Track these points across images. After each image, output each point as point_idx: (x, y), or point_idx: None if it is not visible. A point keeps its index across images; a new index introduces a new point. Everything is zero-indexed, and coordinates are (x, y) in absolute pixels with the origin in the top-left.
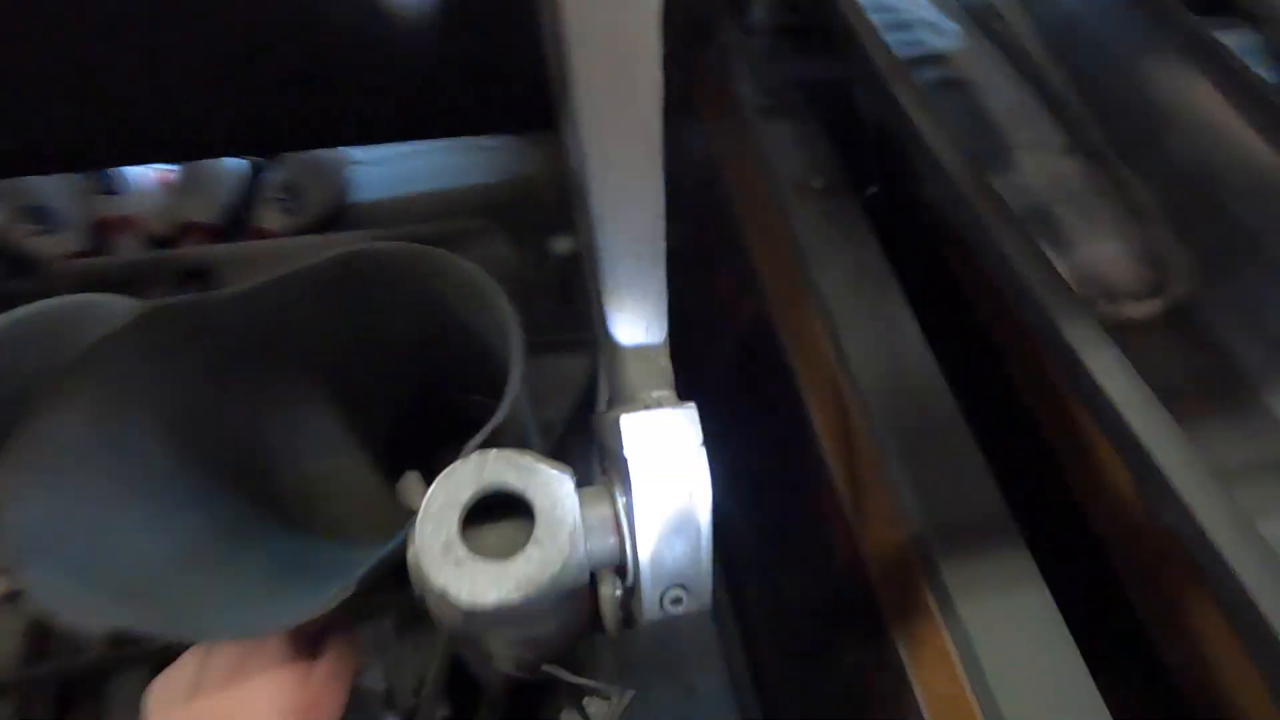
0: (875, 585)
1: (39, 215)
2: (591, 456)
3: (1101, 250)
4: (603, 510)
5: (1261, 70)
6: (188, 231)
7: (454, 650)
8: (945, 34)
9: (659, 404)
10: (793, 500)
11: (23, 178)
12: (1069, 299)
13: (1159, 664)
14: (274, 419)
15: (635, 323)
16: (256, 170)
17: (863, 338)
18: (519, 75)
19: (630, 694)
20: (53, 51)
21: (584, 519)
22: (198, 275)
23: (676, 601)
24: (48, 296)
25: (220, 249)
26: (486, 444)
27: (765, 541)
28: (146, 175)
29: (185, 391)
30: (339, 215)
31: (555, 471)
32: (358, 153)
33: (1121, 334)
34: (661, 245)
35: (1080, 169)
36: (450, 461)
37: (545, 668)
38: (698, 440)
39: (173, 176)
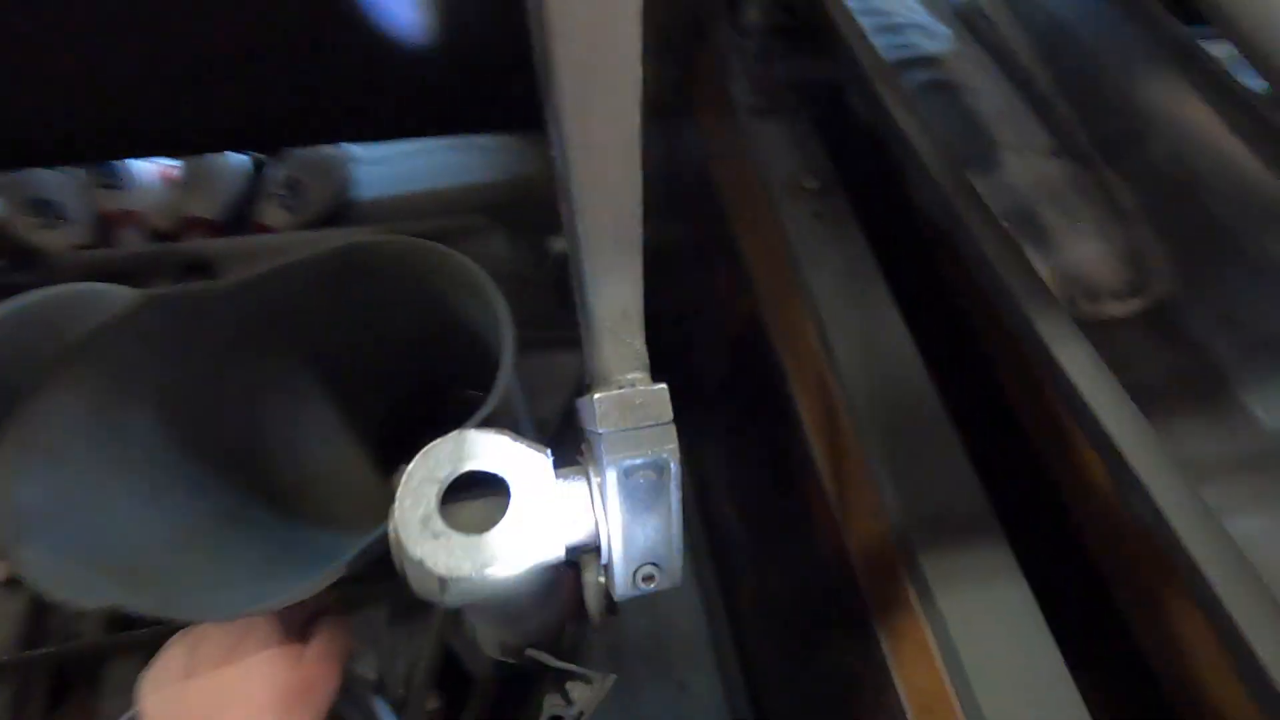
0: (859, 580)
1: (44, 209)
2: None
3: (1084, 250)
4: (578, 489)
5: (1244, 78)
6: (189, 226)
7: (445, 640)
8: (937, 37)
9: (632, 385)
10: (784, 496)
11: (29, 173)
12: (1043, 296)
13: (1139, 655)
14: (272, 408)
15: (611, 308)
16: (258, 166)
17: (850, 336)
18: (519, 75)
19: (612, 678)
20: (58, 46)
21: (560, 496)
22: (198, 268)
23: (649, 579)
24: None
25: (220, 243)
26: None
27: (757, 537)
28: (149, 170)
29: (184, 379)
30: (340, 212)
31: (532, 451)
32: (359, 150)
33: (1103, 332)
34: (638, 232)
35: (1065, 170)
36: None
37: (529, 652)
38: (668, 419)
39: (175, 172)
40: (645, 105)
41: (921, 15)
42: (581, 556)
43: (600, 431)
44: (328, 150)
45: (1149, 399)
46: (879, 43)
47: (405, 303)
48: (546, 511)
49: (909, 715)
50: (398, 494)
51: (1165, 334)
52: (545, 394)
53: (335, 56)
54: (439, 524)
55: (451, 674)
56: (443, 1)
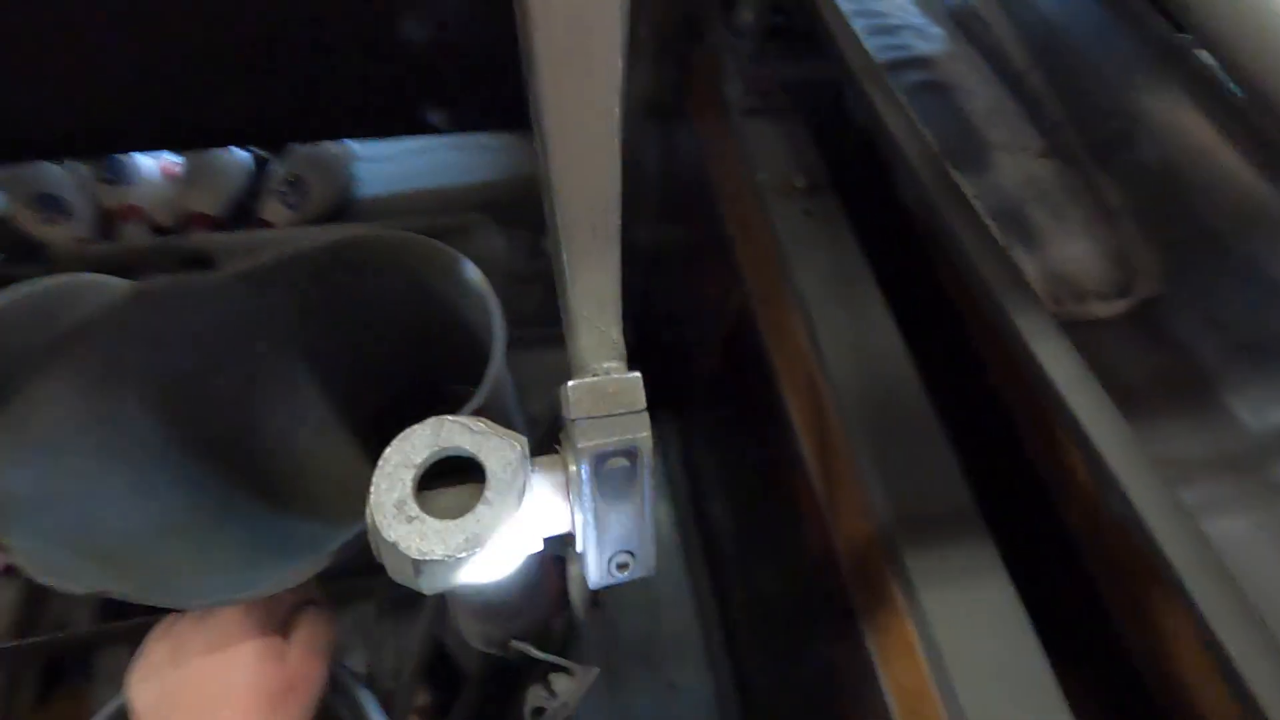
0: (847, 578)
1: (48, 203)
2: None
3: (1071, 250)
4: (554, 476)
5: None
6: (192, 222)
7: (435, 634)
8: (930, 38)
9: (607, 374)
10: (775, 495)
11: (33, 167)
12: (1023, 294)
13: (1126, 653)
14: (264, 400)
15: (588, 297)
16: (261, 163)
17: (838, 333)
18: (519, 73)
19: (595, 671)
20: (61, 41)
21: (536, 484)
22: (198, 262)
23: (623, 567)
24: None
25: (220, 238)
26: None
27: (749, 536)
28: (152, 166)
29: (175, 369)
30: (341, 210)
31: (508, 437)
32: (360, 148)
33: (1088, 332)
34: (616, 223)
35: (1054, 170)
36: None
37: (513, 644)
38: (640, 407)
39: (178, 168)
40: (644, 106)
41: (916, 17)
42: (566, 549)
43: (573, 419)
44: (330, 147)
45: (1134, 399)
46: (873, 44)
47: (399, 297)
48: (521, 497)
49: (894, 712)
50: (373, 478)
51: (1150, 334)
52: (539, 390)
53: (337, 53)
54: (413, 508)
55: (441, 668)
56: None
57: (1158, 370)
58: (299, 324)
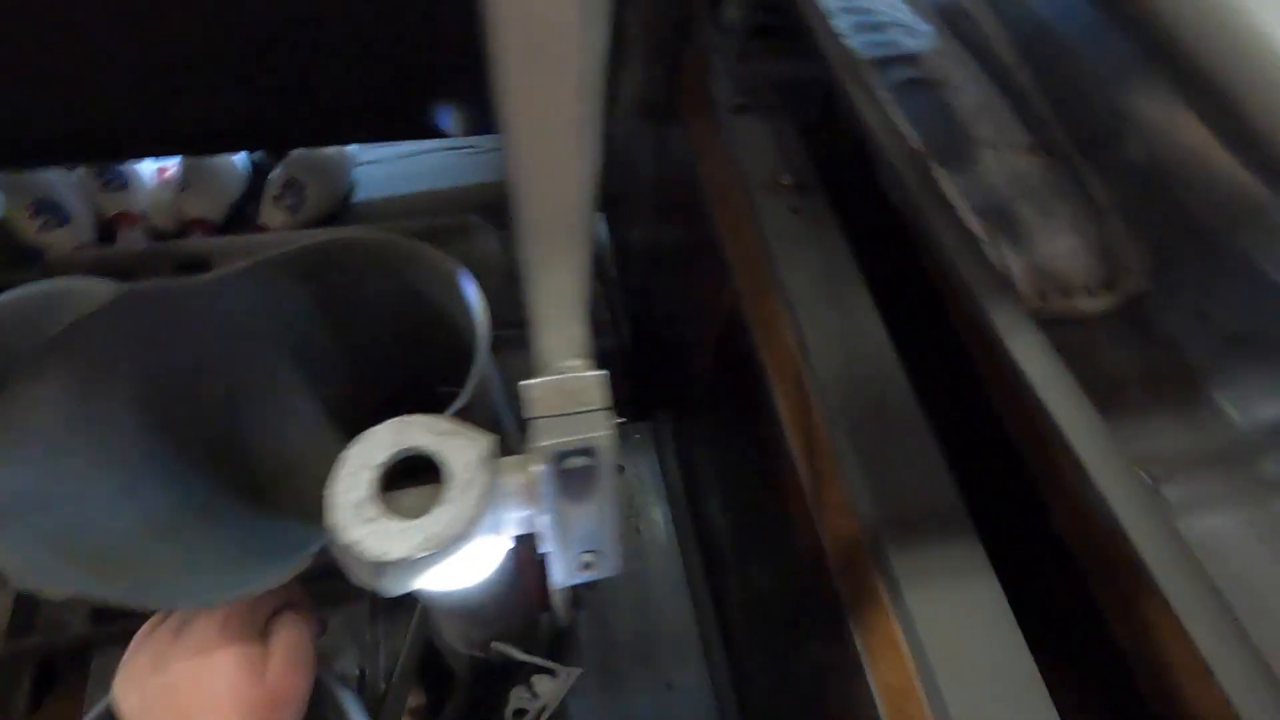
0: (835, 577)
1: (48, 209)
2: None
3: (1059, 246)
4: (519, 477)
5: None
6: (191, 227)
7: (426, 636)
8: (918, 35)
9: (569, 372)
10: (766, 493)
11: (33, 174)
12: (998, 289)
13: (1118, 651)
14: (252, 401)
15: (551, 295)
16: (259, 168)
17: (825, 331)
18: None
19: (577, 672)
20: (60, 49)
21: (500, 484)
22: (195, 267)
23: (588, 566)
24: None
25: (216, 241)
26: None
27: (743, 535)
28: (150, 171)
29: (163, 371)
30: (339, 213)
31: (470, 436)
32: (357, 152)
33: (1075, 328)
34: (583, 220)
35: (1042, 167)
36: None
37: (494, 645)
38: (601, 405)
39: (176, 173)
40: (637, 105)
41: (904, 13)
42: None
43: (533, 417)
44: (327, 151)
45: (1121, 395)
46: (861, 40)
47: (386, 298)
48: (482, 498)
49: (881, 712)
50: (332, 479)
51: (1138, 330)
52: None
53: (335, 58)
54: (372, 509)
55: (434, 669)
56: (442, 5)
57: (1145, 366)
58: (287, 325)
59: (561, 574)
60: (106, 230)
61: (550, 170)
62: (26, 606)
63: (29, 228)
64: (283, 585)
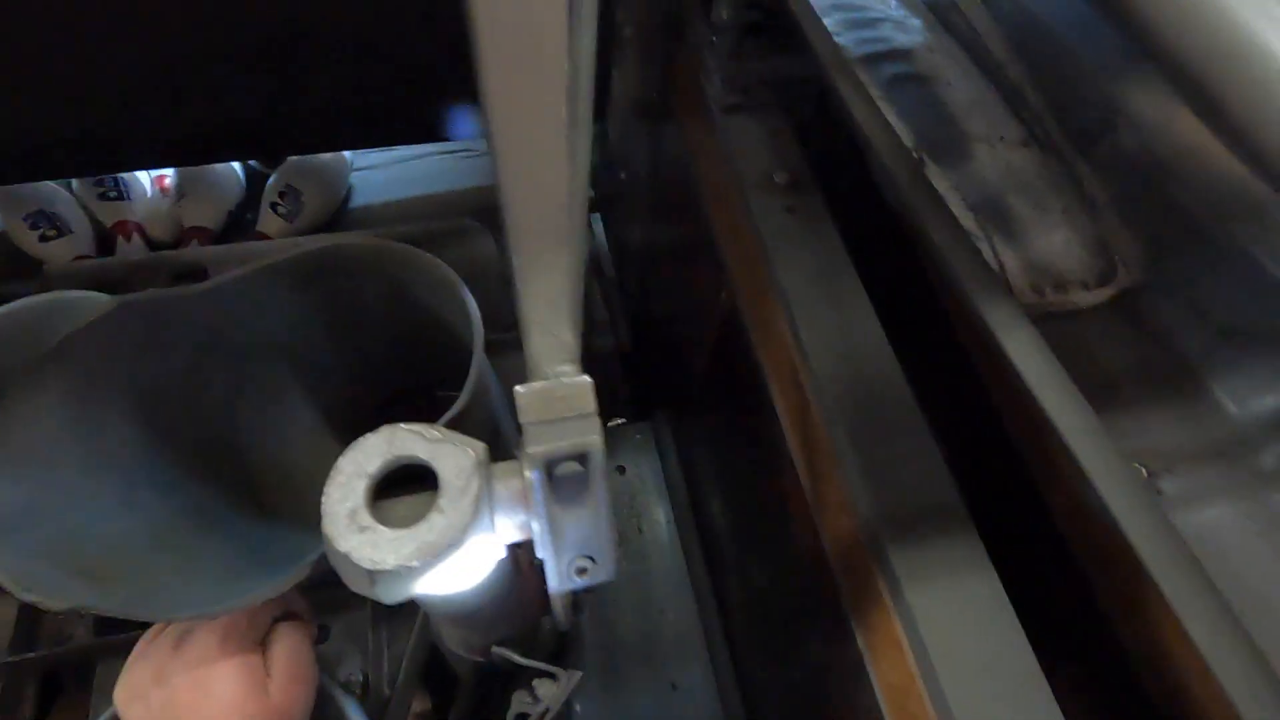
0: (836, 575)
1: (46, 221)
2: None
3: (1053, 240)
4: (512, 483)
5: None
6: (188, 235)
7: (430, 640)
8: (910, 30)
9: (559, 377)
10: (766, 493)
11: (30, 186)
12: (990, 283)
13: (1121, 649)
14: (250, 409)
15: (540, 300)
16: (256, 176)
17: (822, 330)
18: None
19: (578, 675)
20: (57, 61)
21: (494, 491)
22: (192, 276)
23: (582, 572)
24: None
25: (213, 250)
26: None
27: (744, 535)
28: (147, 181)
29: (159, 381)
30: (337, 219)
31: (462, 444)
32: (353, 157)
33: (1071, 322)
34: (571, 225)
35: (1035, 161)
36: None
37: (495, 650)
38: (590, 411)
39: (173, 183)
40: (632, 105)
41: (894, 9)
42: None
43: (524, 423)
44: (323, 158)
45: (1117, 388)
46: (852, 37)
47: (382, 304)
48: (475, 505)
49: (884, 710)
50: (326, 488)
51: (1133, 323)
52: None
53: (330, 65)
54: (365, 517)
55: (438, 673)
56: (435, 11)
57: (1141, 359)
58: (284, 332)
59: (556, 580)
60: (105, 240)
61: (537, 174)
62: (30, 618)
63: (27, 239)
64: (282, 594)
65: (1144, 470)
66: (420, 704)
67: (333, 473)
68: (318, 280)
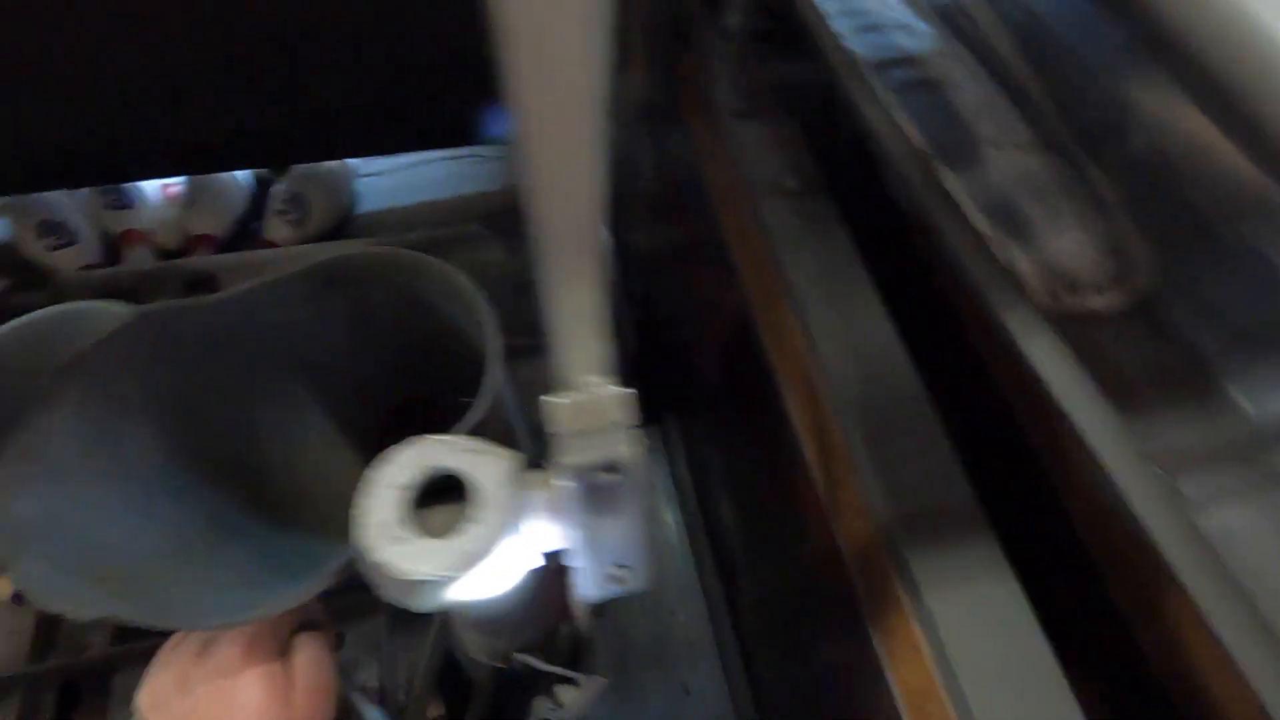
0: (852, 579)
1: (55, 230)
2: None
3: (1066, 243)
4: (545, 492)
5: None
6: (196, 243)
7: (444, 647)
8: (918, 36)
9: (592, 387)
10: (778, 496)
11: (38, 195)
12: (1008, 286)
13: (1140, 652)
14: (265, 418)
15: (571, 311)
16: (262, 184)
17: (835, 334)
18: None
19: (601, 681)
20: (63, 72)
21: (528, 501)
22: (202, 284)
23: (619, 580)
24: None
25: (223, 259)
26: None
27: (756, 538)
28: (155, 190)
29: (176, 391)
30: (343, 226)
31: (496, 454)
32: (359, 164)
33: (1085, 325)
34: (598, 236)
35: (1046, 164)
36: None
37: (517, 656)
38: (626, 421)
39: (180, 191)
40: (636, 110)
41: (903, 14)
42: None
43: (558, 434)
44: (330, 165)
45: (1133, 390)
46: (860, 42)
47: (394, 312)
48: (511, 514)
49: (903, 713)
50: (359, 500)
51: (1148, 325)
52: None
53: (335, 73)
54: (401, 529)
55: (452, 680)
56: (440, 18)
57: (1157, 361)
58: (296, 342)
59: (592, 588)
60: (112, 249)
61: (563, 185)
62: (48, 627)
63: (36, 248)
64: (303, 603)
65: (1161, 472)
66: (434, 710)
67: (365, 484)
68: (332, 289)
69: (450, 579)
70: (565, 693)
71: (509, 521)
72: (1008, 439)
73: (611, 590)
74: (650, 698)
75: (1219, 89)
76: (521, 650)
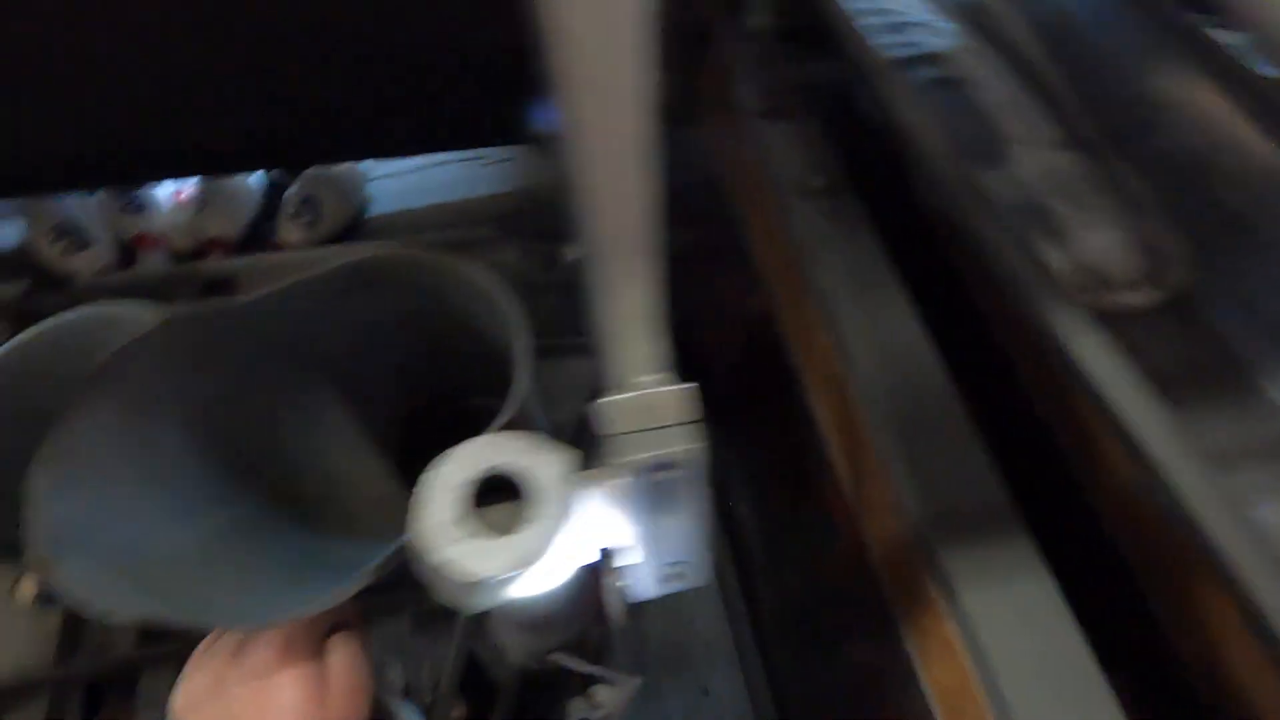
0: (881, 578)
1: (70, 232)
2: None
3: (1097, 241)
4: (602, 490)
5: (1255, 63)
6: (210, 246)
7: (468, 647)
8: (942, 34)
9: (650, 386)
10: (802, 496)
11: (53, 199)
12: (1053, 288)
13: (1173, 654)
14: (294, 419)
15: (626, 312)
16: (275, 186)
17: (863, 332)
18: (531, 88)
19: (637, 682)
20: (75, 75)
21: (586, 499)
22: (219, 286)
23: (677, 577)
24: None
25: (239, 262)
26: None
27: (777, 539)
28: (168, 193)
29: (207, 393)
30: (356, 228)
31: (553, 453)
32: (371, 166)
33: (1119, 323)
34: (653, 236)
35: (1075, 162)
36: None
37: (554, 657)
38: (687, 419)
39: (194, 194)
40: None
41: (926, 13)
42: (603, 559)
43: (618, 433)
44: (343, 167)
45: (1170, 388)
46: (884, 41)
47: (418, 313)
48: (568, 514)
49: (937, 713)
50: (416, 501)
51: (1184, 322)
52: (560, 400)
53: (349, 75)
54: (459, 530)
55: (475, 680)
56: (451, 20)
57: (1193, 358)
58: (322, 343)
59: (648, 586)
60: (127, 252)
61: (616, 187)
62: (73, 629)
63: (51, 252)
64: (339, 603)
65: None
66: (458, 711)
67: (421, 486)
68: (356, 290)
69: (510, 579)
70: (601, 693)
71: (568, 520)
72: (1031, 439)
73: (670, 587)
74: (668, 698)
75: None
76: (557, 651)
